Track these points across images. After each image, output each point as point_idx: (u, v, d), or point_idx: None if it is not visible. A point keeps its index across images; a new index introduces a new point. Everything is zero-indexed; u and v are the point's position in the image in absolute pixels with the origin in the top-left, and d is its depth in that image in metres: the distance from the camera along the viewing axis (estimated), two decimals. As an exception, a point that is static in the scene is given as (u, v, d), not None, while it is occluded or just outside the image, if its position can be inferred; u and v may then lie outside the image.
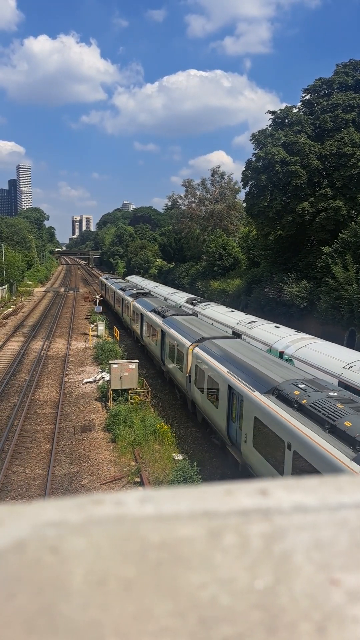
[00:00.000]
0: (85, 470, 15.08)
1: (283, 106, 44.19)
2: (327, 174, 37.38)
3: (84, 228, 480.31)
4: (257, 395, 12.23)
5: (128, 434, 16.72)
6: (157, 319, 25.26)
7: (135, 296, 35.20)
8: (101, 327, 35.84)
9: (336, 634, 0.42)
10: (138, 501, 0.53)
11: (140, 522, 0.50)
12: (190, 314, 27.17)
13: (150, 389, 21.42)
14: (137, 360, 21.00)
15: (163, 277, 68.40)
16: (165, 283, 57.06)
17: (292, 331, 21.71)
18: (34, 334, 36.42)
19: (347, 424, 9.18)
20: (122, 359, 23.88)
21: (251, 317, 26.09)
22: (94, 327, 36.65)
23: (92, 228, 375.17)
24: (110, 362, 20.98)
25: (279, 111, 40.98)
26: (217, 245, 54.70)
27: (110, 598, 0.43)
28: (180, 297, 37.79)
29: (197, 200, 67.27)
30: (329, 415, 9.74)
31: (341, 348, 18.72)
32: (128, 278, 62.78)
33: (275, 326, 23.02)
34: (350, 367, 15.56)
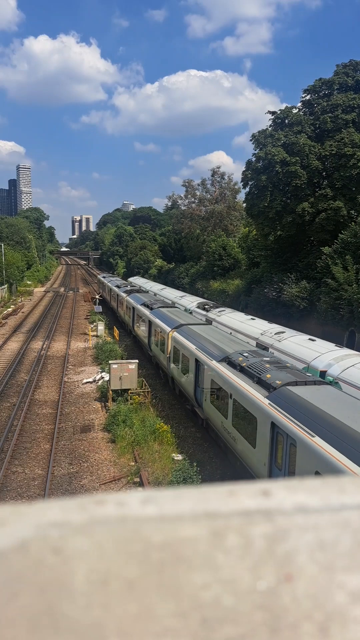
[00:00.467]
0: (85, 471, 15.08)
1: (283, 106, 44.08)
2: (327, 174, 37.35)
3: (84, 228, 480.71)
4: (213, 363, 15.88)
5: (128, 434, 16.72)
6: (146, 311, 28.66)
7: (129, 292, 38.19)
8: (101, 327, 35.81)
9: (339, 635, 0.42)
10: (140, 502, 0.53)
11: (142, 522, 0.50)
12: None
13: (150, 389, 21.43)
14: (136, 361, 20.99)
15: (163, 278, 68.23)
16: (165, 283, 56.85)
17: (331, 345, 19.05)
18: (33, 334, 36.41)
19: (268, 376, 12.92)
20: (122, 359, 23.89)
21: (277, 327, 23.02)
22: (94, 327, 36.61)
23: (92, 228, 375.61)
24: (110, 362, 20.97)
25: (279, 111, 40.93)
26: (217, 246, 54.63)
27: (112, 598, 0.43)
28: (189, 302, 34.92)
29: (197, 201, 67.11)
30: (258, 372, 13.37)
31: None
32: (132, 279, 59.78)
33: (310, 339, 20.23)
34: None
